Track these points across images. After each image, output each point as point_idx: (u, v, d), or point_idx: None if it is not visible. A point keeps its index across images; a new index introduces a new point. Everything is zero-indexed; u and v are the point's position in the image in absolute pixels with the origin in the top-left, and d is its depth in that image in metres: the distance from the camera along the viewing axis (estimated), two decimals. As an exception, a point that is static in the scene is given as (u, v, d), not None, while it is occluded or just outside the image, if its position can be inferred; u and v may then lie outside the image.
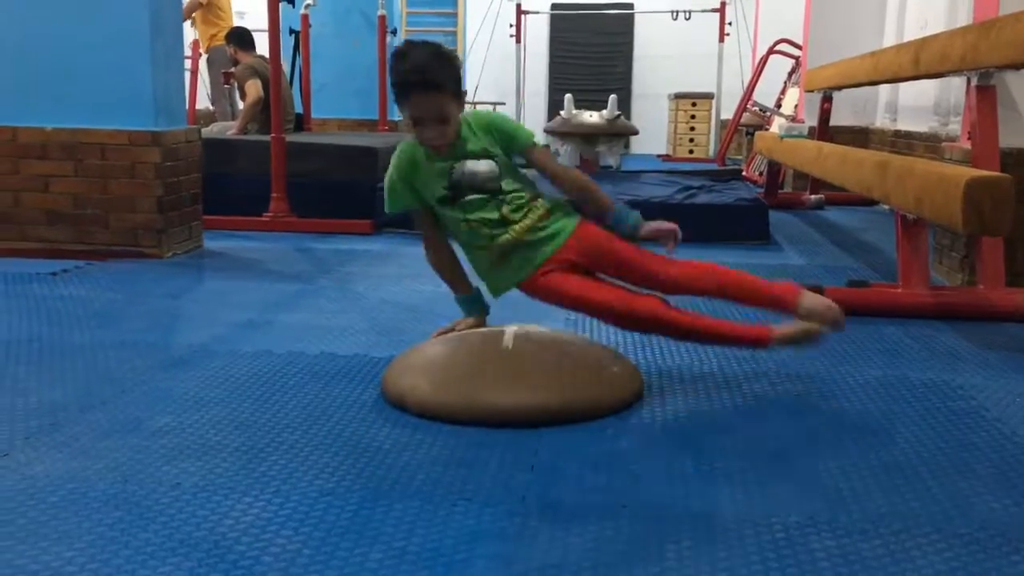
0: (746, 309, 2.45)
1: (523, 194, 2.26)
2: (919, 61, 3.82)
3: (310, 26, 6.61)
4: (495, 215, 2.23)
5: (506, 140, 2.27)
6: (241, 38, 6.28)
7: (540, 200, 2.28)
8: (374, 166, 5.23)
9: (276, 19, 5.07)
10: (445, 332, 2.33)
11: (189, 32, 7.54)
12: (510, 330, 2.22)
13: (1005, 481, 1.76)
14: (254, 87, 5.86)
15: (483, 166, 2.22)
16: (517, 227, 2.23)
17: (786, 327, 2.26)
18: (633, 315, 2.21)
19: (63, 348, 2.60)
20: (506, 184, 2.24)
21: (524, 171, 2.35)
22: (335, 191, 5.04)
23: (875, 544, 1.50)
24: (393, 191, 2.31)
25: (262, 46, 5.70)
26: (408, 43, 2.24)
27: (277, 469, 1.76)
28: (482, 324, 2.34)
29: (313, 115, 7.01)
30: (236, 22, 7.57)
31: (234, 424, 2.01)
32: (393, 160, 2.30)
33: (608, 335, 2.81)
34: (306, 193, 4.98)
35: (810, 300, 2.25)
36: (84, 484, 1.68)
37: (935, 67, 3.65)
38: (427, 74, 2.13)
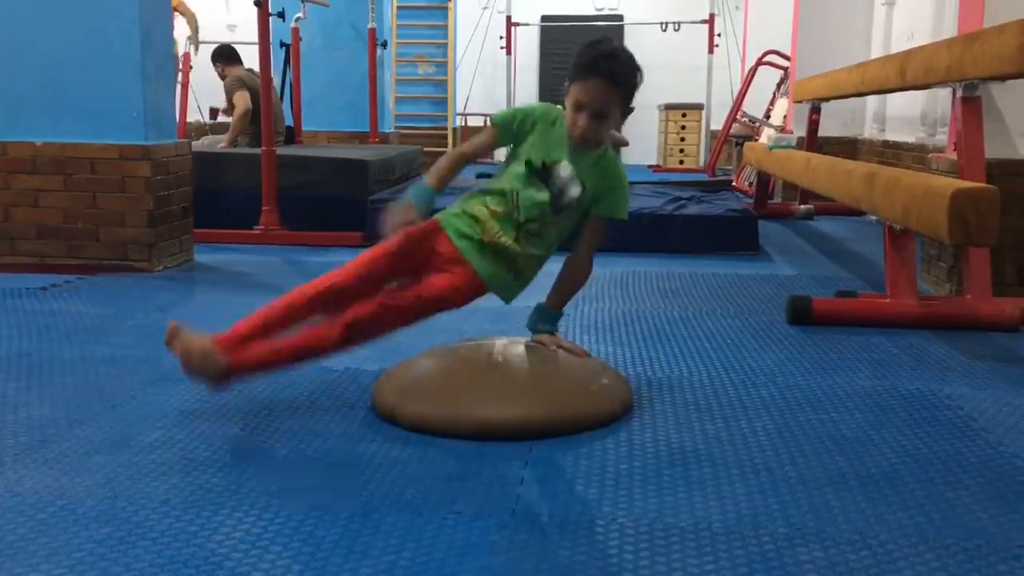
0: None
1: (554, 237, 2.25)
2: (905, 73, 3.86)
3: (300, 39, 6.63)
4: (517, 224, 2.19)
5: (607, 196, 2.25)
6: (227, 55, 6.32)
7: (542, 257, 2.27)
8: (365, 179, 5.24)
9: (266, 32, 5.09)
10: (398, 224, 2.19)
11: (180, 45, 7.54)
12: (500, 344, 2.23)
13: (992, 492, 1.77)
14: (242, 99, 5.88)
15: (576, 189, 2.19)
16: (516, 248, 2.20)
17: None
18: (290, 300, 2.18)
19: (52, 363, 2.60)
20: (560, 220, 2.22)
21: None
22: (326, 204, 5.04)
23: (863, 555, 1.51)
24: (514, 118, 2.25)
25: (253, 59, 5.71)
26: (607, 38, 2.23)
27: (267, 484, 1.76)
28: (415, 221, 2.19)
29: (304, 128, 7.02)
30: (227, 36, 7.58)
31: (224, 439, 2.01)
32: (539, 106, 2.26)
33: (597, 348, 2.82)
34: (297, 206, 4.99)
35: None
36: (73, 500, 1.68)
37: (921, 79, 3.69)
38: (619, 65, 2.13)
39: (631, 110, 2.24)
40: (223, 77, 6.23)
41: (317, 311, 2.19)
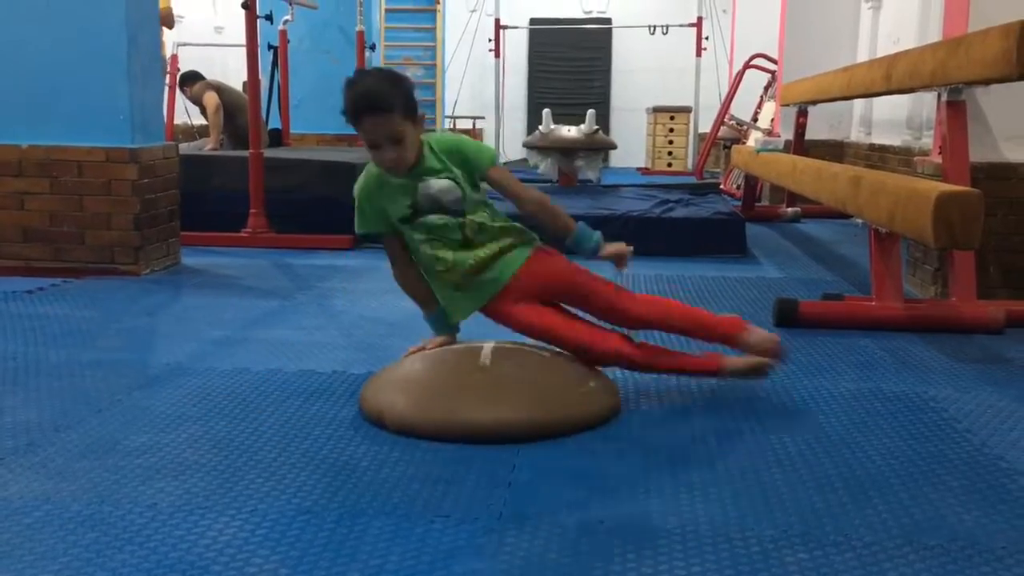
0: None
1: (486, 216, 2.27)
2: (891, 77, 3.88)
3: (288, 42, 6.62)
4: (458, 236, 2.24)
5: (467, 161, 2.27)
6: (191, 77, 6.49)
7: (502, 225, 2.30)
8: (353, 181, 5.20)
9: (254, 35, 5.08)
10: (417, 351, 2.33)
11: (167, 48, 7.50)
12: (487, 346, 2.24)
13: (975, 493, 1.79)
14: (211, 98, 6.08)
15: (443, 184, 2.23)
16: (481, 252, 2.25)
17: (736, 360, 2.38)
18: (598, 352, 2.29)
19: (39, 367, 2.59)
20: (469, 206, 2.25)
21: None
22: (314, 206, 5.03)
23: (848, 557, 1.52)
24: (361, 212, 2.32)
25: (240, 62, 5.71)
26: (357, 72, 2.29)
27: (254, 488, 1.76)
28: (452, 341, 2.35)
29: (292, 130, 7.01)
30: (214, 38, 7.56)
31: (211, 443, 2.01)
32: (359, 181, 2.31)
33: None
34: (284, 209, 4.98)
35: (754, 336, 2.37)
36: (59, 505, 1.67)
37: (906, 83, 3.71)
38: (375, 98, 2.14)
39: (422, 114, 2.26)
40: (193, 97, 6.37)
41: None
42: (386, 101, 2.14)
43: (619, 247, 2.38)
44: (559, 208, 2.37)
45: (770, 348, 2.37)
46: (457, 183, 2.24)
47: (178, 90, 7.26)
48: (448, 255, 2.25)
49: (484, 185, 2.32)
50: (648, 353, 2.36)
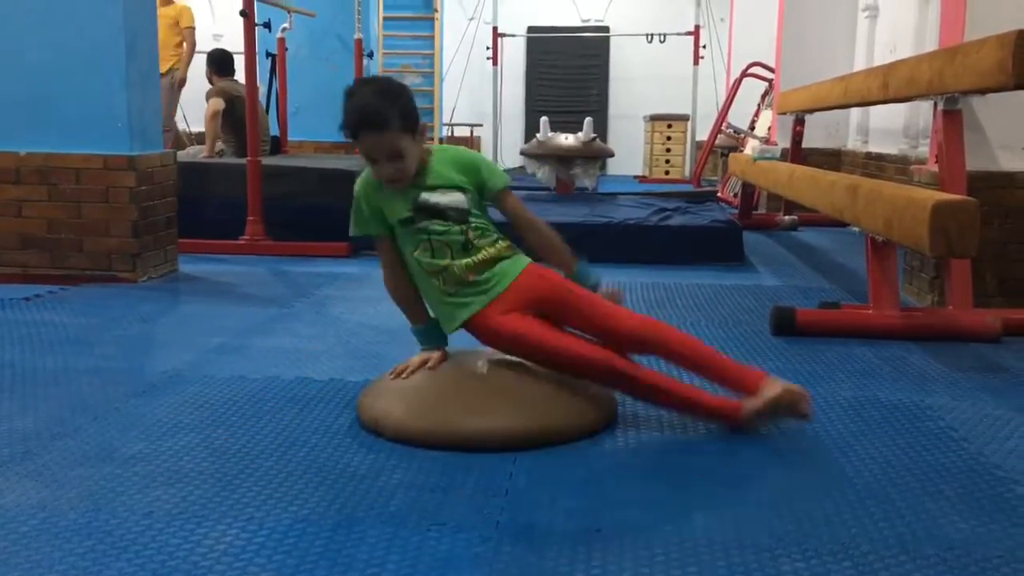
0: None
1: (486, 222, 2.25)
2: (887, 86, 3.89)
3: (287, 49, 6.63)
4: (460, 239, 2.19)
5: (479, 179, 2.24)
6: (217, 63, 6.30)
7: (500, 236, 2.27)
8: (351, 189, 5.21)
9: (253, 43, 5.09)
10: (399, 372, 2.25)
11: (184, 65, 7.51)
12: (485, 354, 2.24)
13: (972, 502, 1.79)
14: (213, 104, 5.95)
15: (450, 196, 2.20)
16: (480, 255, 2.20)
17: (756, 406, 2.11)
18: (589, 363, 2.16)
19: (35, 374, 2.59)
20: (472, 215, 2.22)
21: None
22: (311, 214, 5.03)
23: (844, 566, 1.52)
24: (359, 212, 2.26)
25: (239, 69, 5.71)
26: (356, 81, 2.24)
27: (251, 496, 1.76)
28: (442, 358, 2.26)
29: (290, 138, 7.02)
30: (212, 45, 7.56)
31: (208, 451, 2.01)
32: (358, 183, 2.27)
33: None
34: (282, 216, 4.98)
35: (774, 390, 2.10)
36: (55, 513, 1.67)
37: (903, 92, 3.73)
38: (372, 115, 2.10)
39: (423, 125, 2.21)
40: (210, 82, 6.26)
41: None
42: (383, 118, 2.09)
43: (615, 290, 2.32)
44: (563, 244, 2.31)
45: (792, 405, 2.11)
46: (465, 194, 2.21)
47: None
48: (445, 260, 2.20)
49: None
50: (649, 375, 2.18)
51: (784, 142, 6.57)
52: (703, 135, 9.54)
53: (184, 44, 7.37)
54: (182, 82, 7.42)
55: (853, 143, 7.19)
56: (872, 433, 2.19)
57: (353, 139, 2.16)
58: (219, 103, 5.95)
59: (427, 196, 2.20)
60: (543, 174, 6.95)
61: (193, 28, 7.51)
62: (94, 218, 3.94)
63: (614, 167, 11.11)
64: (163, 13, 7.40)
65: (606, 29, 11.92)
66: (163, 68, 7.35)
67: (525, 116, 12.16)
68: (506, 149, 10.94)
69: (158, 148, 4.20)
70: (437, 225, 2.20)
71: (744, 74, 8.57)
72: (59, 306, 3.50)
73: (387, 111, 2.10)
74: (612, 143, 10.01)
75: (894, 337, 3.12)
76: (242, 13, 5.01)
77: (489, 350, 2.24)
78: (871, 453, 2.05)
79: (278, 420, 2.22)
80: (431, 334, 2.30)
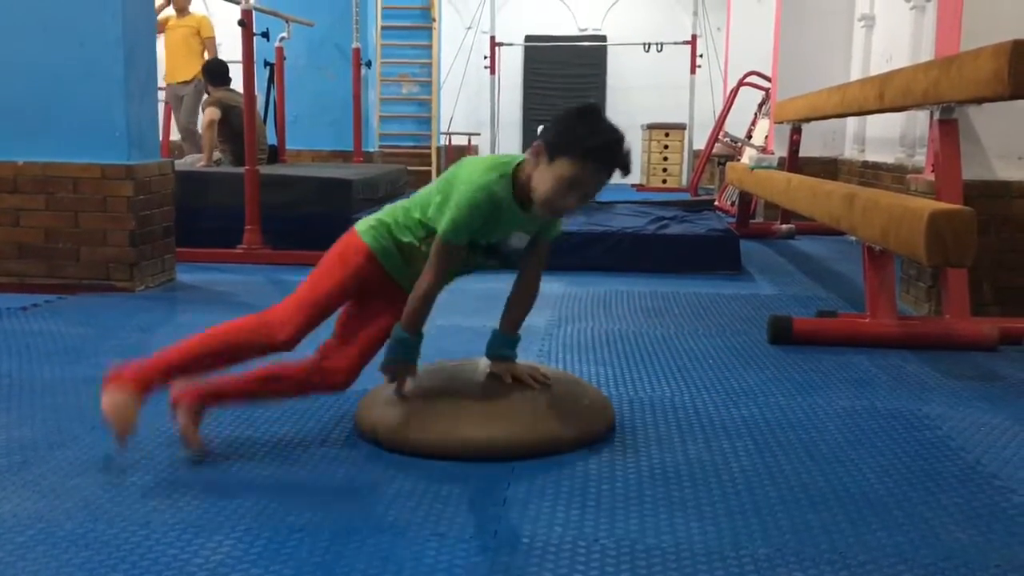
0: None
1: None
2: (884, 95, 3.91)
3: (285, 58, 6.64)
4: (485, 268, 2.23)
5: (547, 228, 2.21)
6: (212, 74, 6.35)
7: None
8: (348, 198, 5.25)
9: (250, 51, 5.10)
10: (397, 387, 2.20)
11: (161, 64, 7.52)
12: (482, 363, 2.24)
13: (969, 511, 1.79)
14: (209, 113, 5.99)
15: (522, 242, 2.19)
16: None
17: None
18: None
19: (33, 384, 2.58)
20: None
21: None
22: (309, 223, 5.04)
23: (842, 575, 1.52)
24: (474, 220, 2.07)
25: (237, 78, 5.72)
26: (611, 123, 2.09)
27: (248, 506, 1.76)
28: (413, 372, 2.19)
29: (288, 147, 7.02)
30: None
31: (205, 461, 2.00)
32: (480, 193, 2.05)
33: (580, 368, 2.83)
34: (280, 225, 4.99)
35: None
36: (52, 523, 1.67)
37: (899, 101, 3.74)
38: (627, 156, 2.05)
39: None
40: (206, 92, 6.30)
41: None
42: (627, 165, 2.06)
43: (512, 370, 2.23)
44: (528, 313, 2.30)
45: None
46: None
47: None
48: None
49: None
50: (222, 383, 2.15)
51: (781, 151, 6.59)
52: (700, 144, 9.56)
53: (206, 53, 7.42)
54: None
55: (850, 152, 7.21)
56: (869, 442, 2.19)
57: (601, 167, 2.03)
58: (215, 112, 5.99)
59: (515, 240, 2.17)
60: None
61: (213, 38, 7.56)
62: (92, 227, 3.94)
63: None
64: (183, 23, 7.46)
65: (603, 38, 11.96)
66: (188, 76, 7.41)
67: (522, 125, 12.19)
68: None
69: (156, 157, 4.20)
70: (494, 261, 2.20)
71: (741, 83, 8.60)
72: (56, 315, 3.49)
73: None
74: (609, 152, 10.00)
75: (891, 346, 3.12)
76: (240, 22, 5.02)
77: (487, 359, 2.24)
78: (868, 462, 2.05)
79: (275, 429, 2.21)
80: (417, 349, 2.19)
